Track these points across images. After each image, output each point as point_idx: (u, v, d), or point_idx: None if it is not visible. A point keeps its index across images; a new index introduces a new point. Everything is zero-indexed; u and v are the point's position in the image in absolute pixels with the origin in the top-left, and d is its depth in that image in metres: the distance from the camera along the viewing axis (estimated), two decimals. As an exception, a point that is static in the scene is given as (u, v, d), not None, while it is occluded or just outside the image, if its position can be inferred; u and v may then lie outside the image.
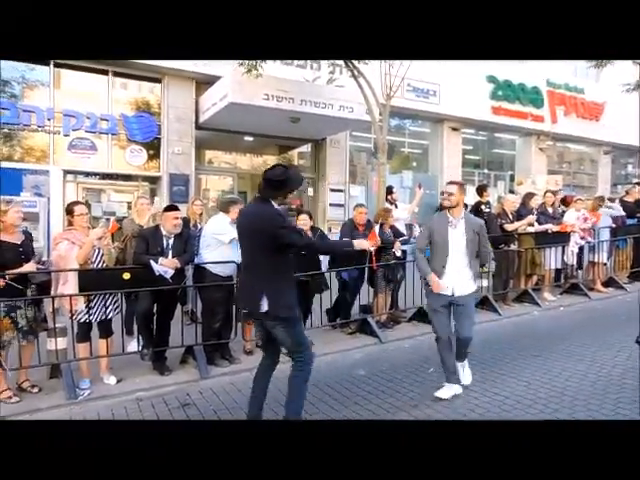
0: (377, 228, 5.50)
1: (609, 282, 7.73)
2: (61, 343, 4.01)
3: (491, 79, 12.93)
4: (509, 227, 6.54)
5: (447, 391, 3.67)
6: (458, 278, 3.61)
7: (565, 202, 7.83)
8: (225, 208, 4.49)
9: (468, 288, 3.66)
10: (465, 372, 3.91)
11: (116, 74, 9.34)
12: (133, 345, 4.46)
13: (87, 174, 9.34)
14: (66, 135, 8.90)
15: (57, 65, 8.85)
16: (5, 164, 8.45)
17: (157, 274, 4.06)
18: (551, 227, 6.88)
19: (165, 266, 4.08)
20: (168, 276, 4.11)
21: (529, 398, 3.62)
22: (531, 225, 6.76)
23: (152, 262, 4.04)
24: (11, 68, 8.59)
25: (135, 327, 4.59)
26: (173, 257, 4.20)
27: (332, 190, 11.34)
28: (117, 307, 4.14)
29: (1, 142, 8.57)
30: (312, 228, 5.23)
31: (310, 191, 11.60)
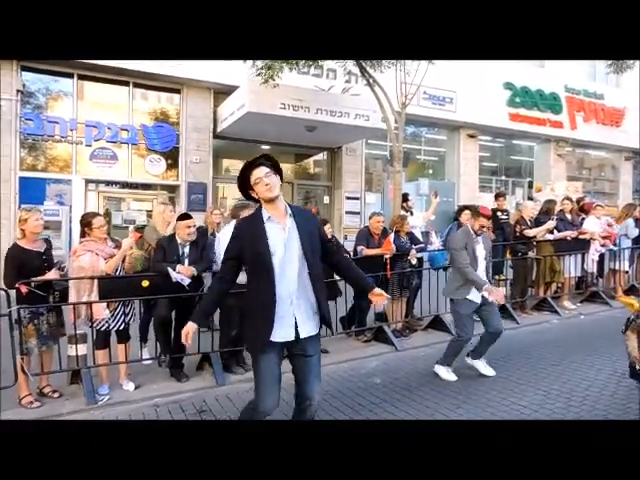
0: (392, 236, 5.49)
1: (631, 290, 7.55)
2: (81, 349, 4.09)
3: (508, 86, 12.85)
4: (530, 232, 6.45)
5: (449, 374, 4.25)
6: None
7: (583, 209, 7.70)
8: (236, 214, 4.53)
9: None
10: (487, 367, 4.36)
11: (136, 85, 9.57)
12: (145, 353, 4.57)
13: (108, 183, 9.55)
14: (88, 145, 9.14)
15: (80, 77, 9.12)
16: (29, 174, 8.73)
17: (174, 281, 4.13)
18: (570, 234, 6.77)
19: (182, 273, 4.15)
20: (185, 283, 4.18)
21: (547, 407, 3.56)
22: (550, 232, 6.67)
23: (169, 269, 4.11)
24: (36, 79, 8.89)
25: (148, 335, 4.69)
26: (190, 265, 4.26)
27: (348, 198, 11.38)
28: (135, 314, 4.23)
29: (26, 152, 8.84)
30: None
31: (326, 199, 11.65)
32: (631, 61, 10.48)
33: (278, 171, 2.48)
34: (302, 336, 2.39)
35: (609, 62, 11.55)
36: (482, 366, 4.35)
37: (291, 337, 2.38)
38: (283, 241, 2.37)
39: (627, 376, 4.11)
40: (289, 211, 2.44)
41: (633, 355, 3.29)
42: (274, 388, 2.40)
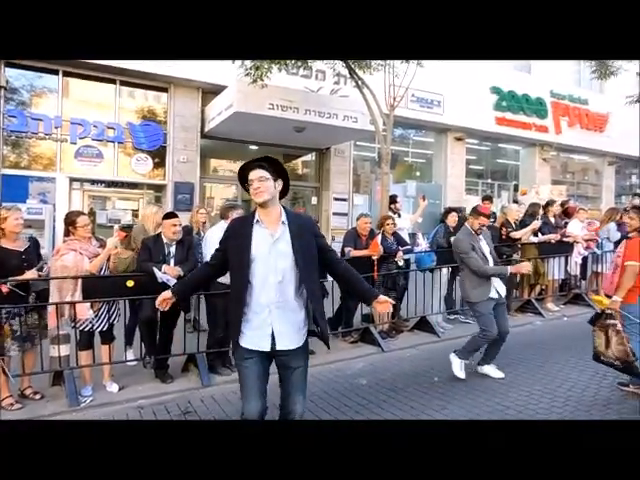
0: (379, 237, 5.52)
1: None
2: (64, 350, 4.03)
3: (495, 90, 12.99)
4: (516, 234, 6.54)
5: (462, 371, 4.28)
6: (498, 281, 4.26)
7: (567, 213, 7.82)
8: (225, 214, 4.55)
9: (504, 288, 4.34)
10: (497, 370, 4.39)
11: (123, 83, 9.46)
12: (129, 354, 4.54)
13: (93, 182, 9.42)
14: (73, 143, 9.00)
15: (66, 74, 8.98)
16: (12, 171, 8.57)
17: (160, 281, 4.08)
18: (554, 237, 6.88)
19: (167, 274, 4.11)
20: (171, 284, 4.13)
21: (531, 408, 3.61)
22: (535, 235, 6.76)
23: (155, 269, 4.07)
24: (19, 76, 8.74)
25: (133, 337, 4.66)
26: (175, 265, 4.23)
27: (336, 199, 11.39)
28: (119, 314, 4.18)
29: (9, 149, 8.68)
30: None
31: (314, 200, 11.65)
32: (615, 67, 10.68)
33: (281, 176, 2.40)
34: (279, 348, 2.30)
35: (593, 68, 11.79)
36: (493, 370, 4.38)
37: (266, 348, 2.30)
38: (268, 247, 2.30)
39: (608, 376, 4.20)
40: (283, 218, 2.35)
41: (599, 350, 3.66)
42: (254, 393, 2.30)
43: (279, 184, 2.39)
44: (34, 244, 3.92)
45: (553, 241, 6.87)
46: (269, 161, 2.39)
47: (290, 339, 2.34)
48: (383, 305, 2.48)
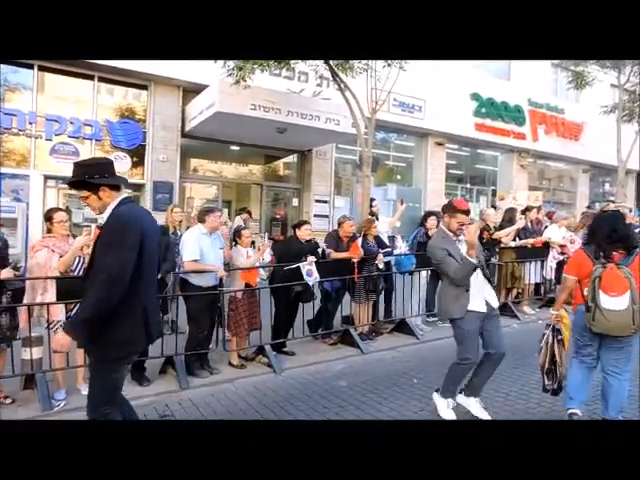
0: (360, 240, 5.54)
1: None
2: (36, 352, 3.91)
3: (475, 97, 13.22)
4: (501, 233, 6.67)
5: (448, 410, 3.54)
6: (489, 289, 3.48)
7: (548, 216, 8.05)
8: (201, 218, 4.54)
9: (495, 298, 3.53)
10: (483, 410, 3.52)
11: (102, 79, 9.28)
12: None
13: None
14: (48, 140, 8.78)
15: (41, 68, 8.75)
16: (-17, 168, 8.31)
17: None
18: (532, 241, 7.04)
19: None
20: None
21: (507, 410, 3.67)
22: (513, 240, 6.90)
23: None
24: (-7, 70, 8.48)
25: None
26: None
27: (317, 201, 11.40)
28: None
29: (-20, 145, 8.42)
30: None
31: (295, 201, 11.64)
32: (590, 78, 10.98)
33: (93, 182, 2.32)
34: None
35: (570, 78, 12.09)
36: (477, 407, 3.50)
37: None
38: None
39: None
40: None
41: (541, 365, 3.41)
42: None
43: (102, 190, 2.35)
44: (4, 244, 3.80)
45: (529, 245, 7.02)
46: (71, 183, 2.41)
47: None
48: None
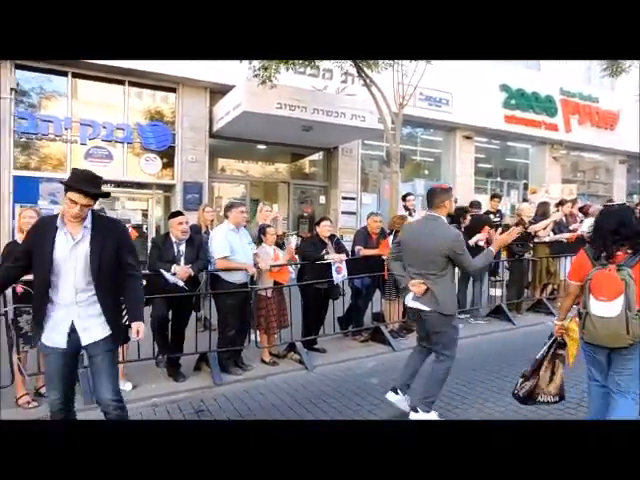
0: (391, 237, 5.49)
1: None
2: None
3: (504, 88, 12.91)
4: (537, 226, 6.50)
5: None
6: None
7: (583, 211, 7.78)
8: (225, 214, 4.62)
9: None
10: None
11: (132, 84, 9.51)
12: None
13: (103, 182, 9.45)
14: (83, 144, 9.06)
15: (74, 75, 9.04)
16: (22, 172, 8.64)
17: (170, 282, 4.10)
18: (567, 236, 6.83)
19: (178, 275, 4.12)
20: (180, 284, 4.15)
21: (543, 407, 3.57)
22: (552, 229, 6.72)
23: (164, 272, 4.09)
24: (29, 79, 8.80)
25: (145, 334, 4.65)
26: (186, 264, 4.24)
27: (344, 198, 11.38)
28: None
29: (19, 151, 8.75)
30: (330, 235, 5.28)
31: (322, 199, 11.65)
32: (626, 64, 10.56)
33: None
34: (84, 343, 2.50)
35: (604, 65, 11.66)
36: (402, 402, 3.51)
37: (63, 345, 2.47)
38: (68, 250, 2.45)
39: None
40: (87, 223, 2.49)
41: (540, 387, 3.02)
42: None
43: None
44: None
45: (564, 240, 6.82)
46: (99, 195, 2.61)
47: (94, 332, 2.52)
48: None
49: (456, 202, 6.91)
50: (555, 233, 6.84)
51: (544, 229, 6.64)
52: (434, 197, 3.37)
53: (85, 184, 2.45)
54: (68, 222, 2.48)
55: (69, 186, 2.45)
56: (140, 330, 2.60)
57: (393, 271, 3.62)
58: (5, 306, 3.55)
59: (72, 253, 2.45)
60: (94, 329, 2.51)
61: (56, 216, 2.55)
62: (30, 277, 3.60)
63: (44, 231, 2.51)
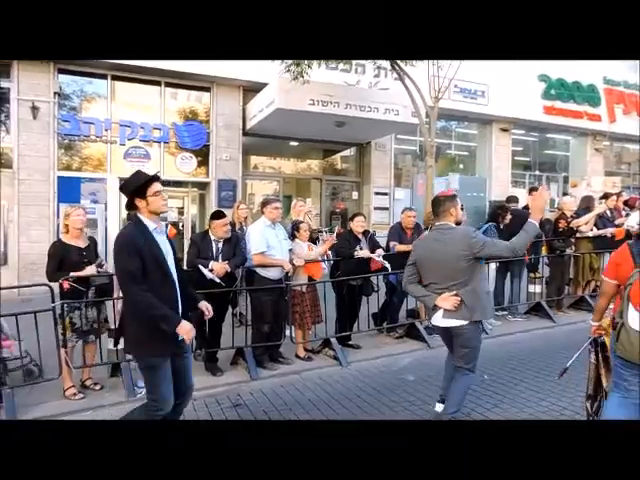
0: (427, 232, 5.41)
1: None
2: (121, 343, 4.18)
3: (543, 78, 12.47)
4: (580, 221, 6.27)
5: None
6: None
7: (628, 204, 7.42)
8: (262, 209, 4.70)
9: None
10: None
11: (167, 84, 9.72)
12: None
13: (141, 181, 9.73)
14: (122, 144, 9.35)
15: (114, 78, 9.32)
16: (65, 173, 9.00)
17: (208, 278, 4.18)
18: (611, 231, 6.54)
19: (215, 271, 4.20)
20: (217, 281, 4.23)
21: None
22: (595, 224, 6.47)
23: (202, 267, 4.17)
24: (71, 82, 9.14)
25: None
26: (224, 261, 4.31)
27: (377, 193, 11.29)
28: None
29: (62, 152, 9.12)
30: (364, 231, 5.25)
31: (355, 195, 11.60)
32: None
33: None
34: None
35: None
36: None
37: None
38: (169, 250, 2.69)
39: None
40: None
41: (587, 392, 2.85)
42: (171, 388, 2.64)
43: None
44: (93, 243, 4.10)
45: (609, 235, 6.54)
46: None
47: None
48: None
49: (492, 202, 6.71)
50: (599, 228, 6.57)
51: (586, 224, 6.39)
52: (438, 206, 3.19)
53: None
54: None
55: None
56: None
57: (414, 294, 3.33)
58: (53, 301, 3.70)
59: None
60: None
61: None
62: (78, 274, 3.81)
63: None
